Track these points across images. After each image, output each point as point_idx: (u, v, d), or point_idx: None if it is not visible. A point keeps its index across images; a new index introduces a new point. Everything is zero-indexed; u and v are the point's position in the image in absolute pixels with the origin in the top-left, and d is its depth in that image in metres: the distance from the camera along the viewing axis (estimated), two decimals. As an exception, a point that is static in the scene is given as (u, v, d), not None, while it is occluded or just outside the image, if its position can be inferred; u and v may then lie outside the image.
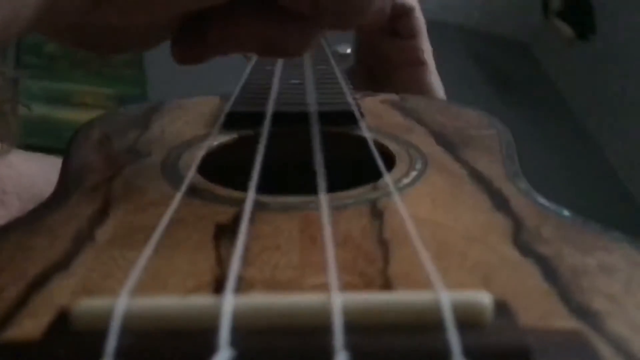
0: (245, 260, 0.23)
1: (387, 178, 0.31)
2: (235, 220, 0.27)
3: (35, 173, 0.54)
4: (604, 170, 2.53)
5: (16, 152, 0.54)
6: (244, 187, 0.29)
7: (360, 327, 0.17)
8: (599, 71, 2.54)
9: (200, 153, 0.35)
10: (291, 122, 0.39)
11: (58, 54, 2.03)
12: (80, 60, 2.05)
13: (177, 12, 0.32)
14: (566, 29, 2.36)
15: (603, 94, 2.54)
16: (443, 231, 0.27)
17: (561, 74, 2.72)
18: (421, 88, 0.60)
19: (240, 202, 0.28)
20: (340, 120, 0.41)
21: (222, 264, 0.24)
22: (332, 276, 0.20)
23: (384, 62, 0.63)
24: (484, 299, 0.17)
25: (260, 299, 0.18)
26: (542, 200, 0.30)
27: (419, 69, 0.61)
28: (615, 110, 2.50)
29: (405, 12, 0.60)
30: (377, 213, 0.28)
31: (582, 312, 0.21)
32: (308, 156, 0.32)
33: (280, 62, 0.54)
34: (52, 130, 1.76)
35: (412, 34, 0.60)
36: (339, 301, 0.17)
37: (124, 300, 0.18)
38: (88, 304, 0.18)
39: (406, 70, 0.61)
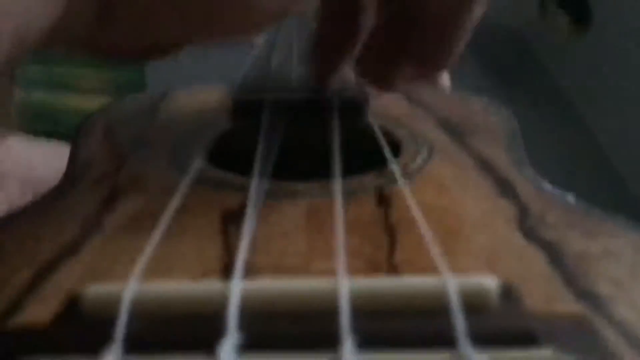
0: (253, 247, 0.24)
1: (394, 165, 0.31)
2: (243, 207, 0.27)
3: (34, 157, 0.54)
4: (600, 159, 2.53)
5: (15, 137, 0.54)
6: (251, 174, 0.29)
7: (367, 311, 0.17)
8: (596, 61, 2.52)
9: (207, 141, 0.35)
10: (298, 109, 0.39)
11: (55, 39, 2.02)
12: (78, 45, 2.04)
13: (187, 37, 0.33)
14: (563, 19, 2.35)
15: (600, 83, 2.52)
16: (449, 217, 0.27)
17: (558, 64, 2.71)
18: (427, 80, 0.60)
19: (248, 189, 0.28)
20: (348, 107, 0.41)
21: (229, 250, 0.24)
22: (340, 261, 0.20)
23: None
24: (489, 283, 0.18)
25: (268, 284, 0.18)
26: (547, 186, 0.31)
27: None
28: (612, 100, 2.49)
29: None
30: (383, 199, 0.28)
31: (587, 296, 0.21)
32: (314, 143, 0.32)
33: (286, 51, 0.54)
34: (50, 115, 1.75)
35: None
36: (346, 285, 0.17)
37: (132, 285, 0.18)
38: (97, 290, 0.18)
39: None
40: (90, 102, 0.44)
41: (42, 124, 1.65)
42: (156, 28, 0.31)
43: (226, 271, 0.22)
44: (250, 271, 0.22)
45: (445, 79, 0.60)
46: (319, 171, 0.29)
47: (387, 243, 0.24)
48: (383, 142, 0.33)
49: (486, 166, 0.33)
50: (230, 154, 0.35)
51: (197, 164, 0.31)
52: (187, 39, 0.34)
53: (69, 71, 1.99)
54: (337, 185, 0.27)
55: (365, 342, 0.16)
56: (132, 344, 0.16)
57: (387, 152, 0.32)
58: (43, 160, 0.52)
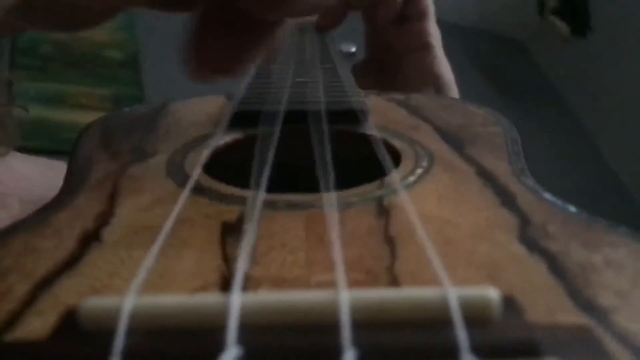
0: (252, 259, 0.23)
1: (394, 175, 0.31)
2: (242, 219, 0.27)
3: (34, 175, 0.54)
4: (600, 166, 2.54)
5: (14, 155, 0.54)
6: (250, 186, 0.29)
7: (368, 323, 0.17)
8: (594, 68, 2.55)
9: (206, 152, 0.35)
10: (297, 120, 0.39)
11: (53, 55, 2.02)
12: (75, 61, 2.05)
13: None
14: (562, 26, 2.36)
15: (599, 90, 2.55)
16: (449, 228, 0.27)
17: (557, 71, 2.73)
18: (429, 72, 0.60)
19: (247, 201, 0.28)
20: (347, 118, 0.40)
21: (228, 262, 0.24)
22: (339, 273, 0.20)
23: (391, 51, 0.63)
24: (491, 294, 0.17)
25: (268, 297, 0.18)
26: (548, 196, 0.30)
27: (425, 53, 0.60)
28: (611, 106, 2.51)
29: None
30: (383, 210, 0.28)
31: (589, 307, 0.21)
32: (314, 154, 0.32)
33: (286, 61, 0.54)
34: (47, 131, 1.76)
35: (420, 16, 0.60)
36: (346, 298, 0.17)
37: (131, 299, 0.18)
38: (95, 303, 0.18)
39: (413, 56, 0.61)
40: (90, 118, 0.44)
41: (39, 140, 1.65)
42: None
43: (225, 284, 0.22)
44: (250, 284, 0.22)
45: (448, 72, 0.60)
46: (319, 182, 0.29)
47: (387, 254, 0.24)
48: (384, 152, 0.32)
49: (487, 176, 0.33)
50: (229, 165, 0.35)
51: (196, 175, 0.31)
52: None
53: (67, 87, 1.99)
54: (330, 197, 0.27)
55: (367, 355, 0.15)
56: (131, 357, 0.16)
57: (388, 162, 0.31)
58: (43, 179, 0.52)
